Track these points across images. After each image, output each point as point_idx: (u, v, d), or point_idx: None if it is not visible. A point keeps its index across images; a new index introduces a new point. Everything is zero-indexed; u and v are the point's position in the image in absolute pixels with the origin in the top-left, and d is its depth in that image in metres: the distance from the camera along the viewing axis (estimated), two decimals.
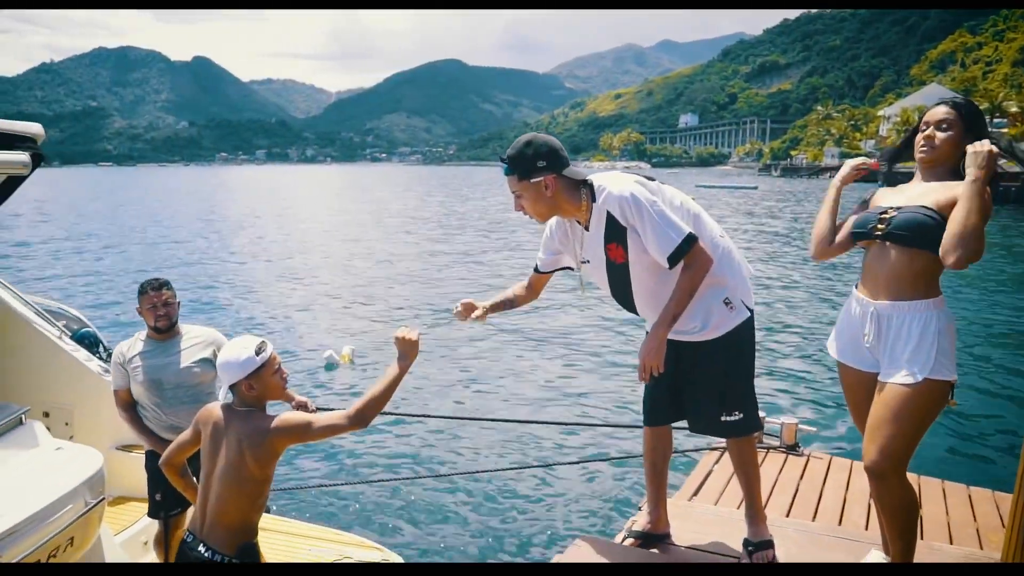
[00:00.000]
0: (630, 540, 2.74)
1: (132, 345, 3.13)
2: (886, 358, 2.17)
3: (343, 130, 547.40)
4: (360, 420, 2.07)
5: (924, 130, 2.17)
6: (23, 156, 3.54)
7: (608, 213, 2.36)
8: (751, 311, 2.51)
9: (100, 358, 3.99)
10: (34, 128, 3.65)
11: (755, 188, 59.79)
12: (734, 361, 2.50)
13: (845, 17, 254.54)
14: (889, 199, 2.24)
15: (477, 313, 2.65)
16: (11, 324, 3.91)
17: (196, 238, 23.38)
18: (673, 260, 2.29)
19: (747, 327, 2.50)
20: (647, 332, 2.48)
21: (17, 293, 4.00)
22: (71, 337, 3.99)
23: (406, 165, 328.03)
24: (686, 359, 2.51)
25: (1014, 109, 64.50)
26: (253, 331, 9.47)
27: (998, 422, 6.74)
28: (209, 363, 3.10)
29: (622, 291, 2.51)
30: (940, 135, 2.12)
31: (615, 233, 2.37)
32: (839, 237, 2.35)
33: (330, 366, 8.49)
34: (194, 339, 3.15)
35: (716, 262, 2.40)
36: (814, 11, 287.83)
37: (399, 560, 3.50)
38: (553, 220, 2.59)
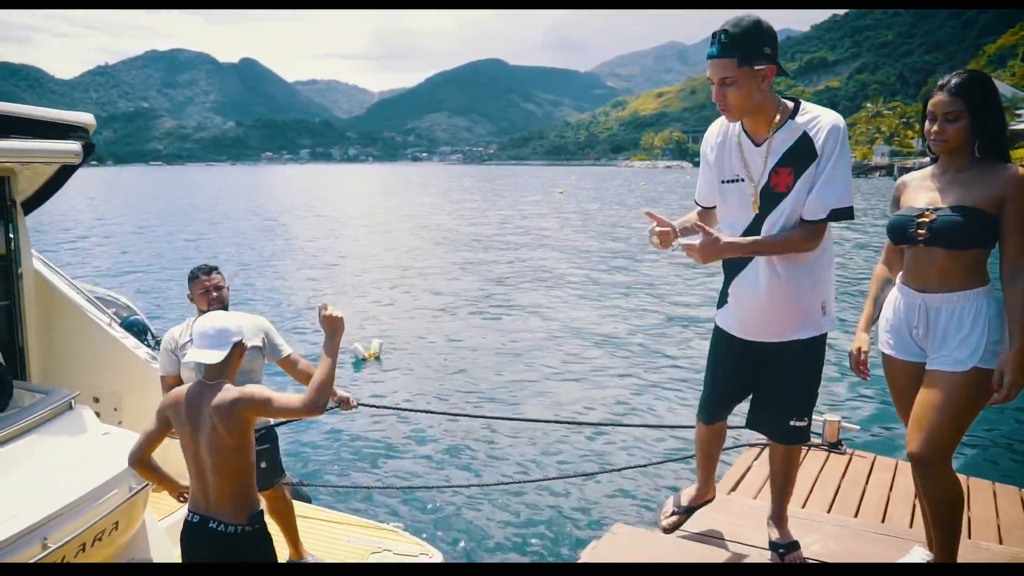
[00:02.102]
0: (673, 516, 2.67)
1: (183, 331, 3.14)
2: (935, 346, 2.13)
3: (385, 130, 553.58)
4: (314, 407, 2.13)
5: (932, 120, 2.13)
6: (75, 145, 3.66)
7: (805, 134, 2.15)
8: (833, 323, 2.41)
9: (148, 345, 4.11)
10: (85, 118, 3.77)
11: None
12: (813, 368, 2.41)
13: (898, 12, 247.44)
14: (922, 196, 2.19)
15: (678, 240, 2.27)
16: (64, 311, 4.04)
17: (235, 233, 23.91)
18: (829, 216, 2.12)
19: (826, 338, 2.41)
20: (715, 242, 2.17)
21: (70, 281, 4.14)
22: (120, 324, 4.11)
23: (447, 164, 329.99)
24: (773, 363, 2.37)
25: None
26: (282, 324, 9.64)
27: None
28: (258, 349, 3.12)
29: (752, 227, 2.24)
30: (950, 128, 2.08)
31: (797, 158, 2.15)
32: (887, 256, 2.41)
33: (357, 361, 8.54)
34: (243, 324, 3.16)
35: (828, 261, 2.31)
36: (863, 8, 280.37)
37: (438, 555, 3.46)
38: (717, 128, 2.35)
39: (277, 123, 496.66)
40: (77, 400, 3.31)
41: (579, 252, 19.01)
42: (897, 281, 2.31)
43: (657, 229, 2.24)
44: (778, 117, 2.17)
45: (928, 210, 2.12)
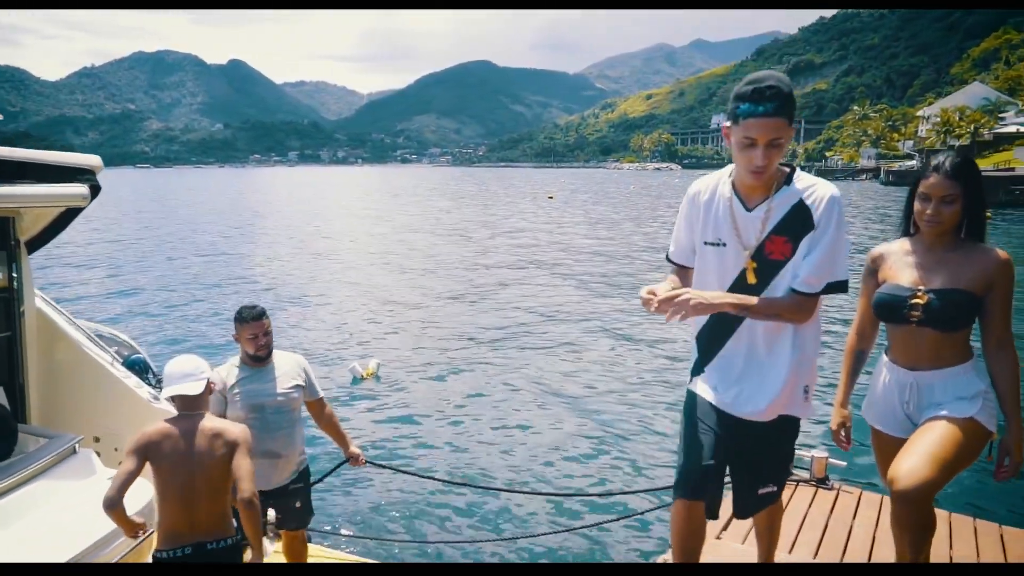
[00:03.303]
0: None
1: (229, 372, 3.13)
2: (930, 410, 2.18)
3: (374, 131, 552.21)
4: (249, 504, 2.40)
5: (925, 202, 2.15)
6: (81, 188, 3.70)
7: (801, 202, 2.06)
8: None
9: (150, 384, 4.14)
10: (92, 160, 3.82)
11: None
12: (788, 447, 2.35)
13: (884, 15, 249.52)
14: (906, 274, 2.21)
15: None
16: (64, 350, 4.04)
17: (227, 243, 23.80)
18: (824, 289, 2.04)
19: (800, 421, 2.32)
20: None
21: (72, 319, 4.15)
22: (123, 363, 4.13)
23: (436, 166, 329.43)
24: (744, 438, 2.25)
25: None
26: (280, 340, 9.65)
27: None
28: (301, 388, 3.19)
29: (744, 291, 2.13)
30: (946, 210, 2.11)
31: (794, 227, 2.06)
32: (860, 327, 2.40)
33: (355, 380, 8.49)
34: (285, 364, 3.20)
35: (815, 340, 2.20)
36: (851, 9, 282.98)
37: None
38: (704, 187, 2.24)
39: (265, 125, 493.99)
40: (80, 443, 3.35)
41: (573, 255, 19.15)
42: (884, 357, 2.32)
43: (658, 301, 2.00)
44: (774, 183, 2.10)
45: (920, 291, 2.14)
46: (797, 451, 4.00)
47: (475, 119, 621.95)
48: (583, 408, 7.65)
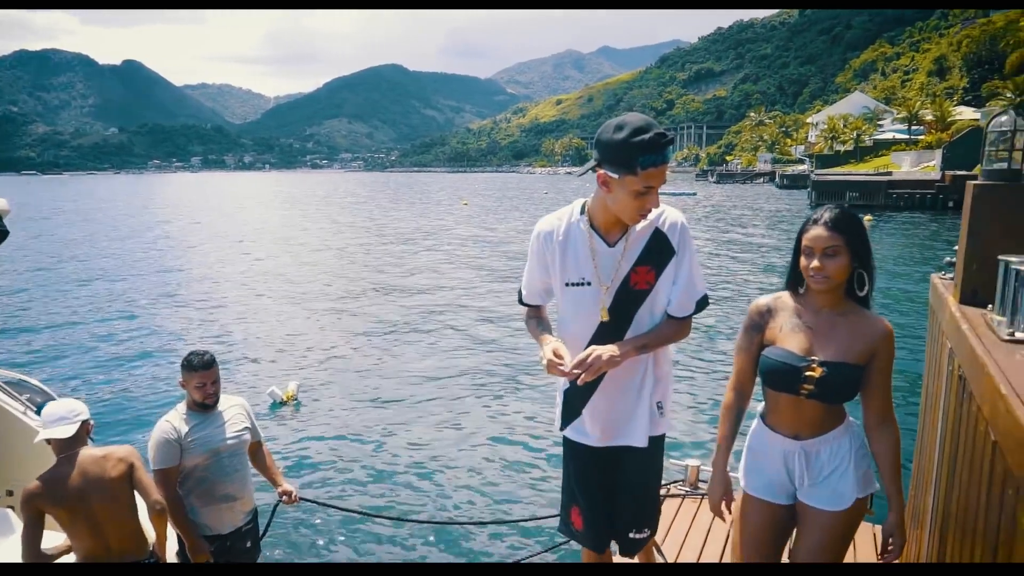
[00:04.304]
0: None
1: (181, 421, 3.06)
2: (815, 482, 2.15)
3: (282, 136, 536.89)
4: (162, 512, 2.77)
5: (809, 256, 2.05)
6: None
7: (658, 230, 2.11)
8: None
9: None
10: None
11: (694, 194, 61.44)
12: (656, 473, 2.35)
13: (775, 26, 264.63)
14: (794, 339, 2.11)
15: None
16: None
17: (125, 260, 22.86)
18: (694, 307, 2.15)
19: (664, 439, 2.34)
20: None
21: None
22: (36, 412, 4.03)
23: (348, 172, 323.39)
24: (618, 466, 2.30)
25: (929, 118, 68.20)
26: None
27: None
28: (248, 429, 3.24)
29: (602, 330, 2.15)
30: (830, 264, 2.02)
31: (655, 256, 2.12)
32: (739, 384, 2.26)
33: (274, 405, 8.23)
34: (231, 407, 3.23)
35: (670, 358, 2.29)
36: (746, 19, 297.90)
37: None
38: (553, 227, 2.21)
39: (165, 129, 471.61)
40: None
41: (485, 271, 19.53)
42: (761, 423, 2.25)
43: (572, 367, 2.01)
44: None
45: (814, 363, 2.05)
46: (675, 461, 4.56)
47: (387, 123, 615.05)
48: (510, 426, 7.76)
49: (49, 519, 2.72)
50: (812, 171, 62.85)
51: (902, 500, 2.06)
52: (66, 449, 2.76)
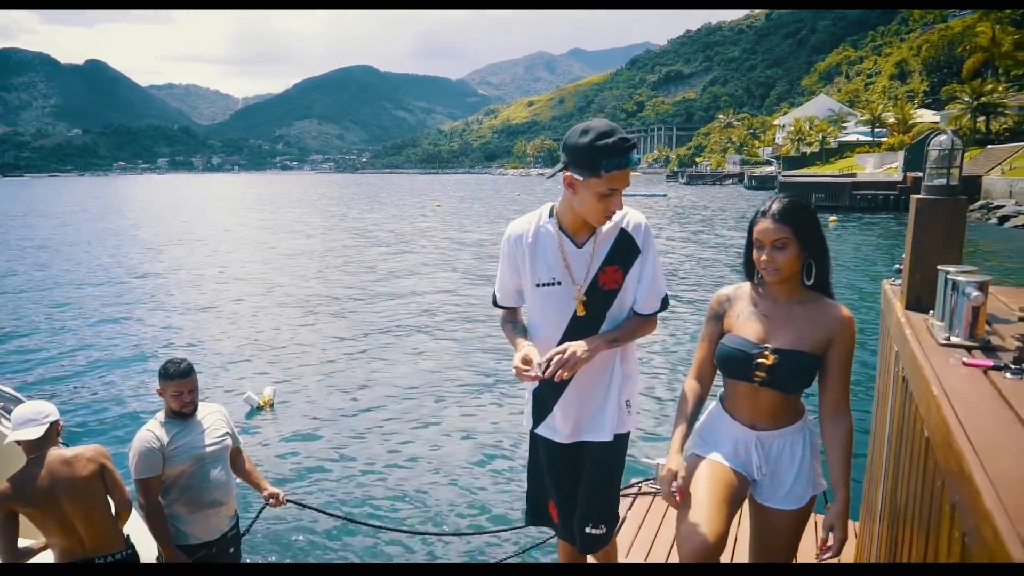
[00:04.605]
0: None
1: (162, 430, 3.08)
2: (772, 480, 2.16)
3: (251, 137, 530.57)
4: (128, 507, 2.97)
5: (760, 248, 2.07)
6: None
7: (623, 231, 2.21)
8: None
9: None
10: None
11: (664, 196, 62.04)
12: (618, 470, 2.40)
13: (742, 29, 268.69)
14: (751, 327, 2.12)
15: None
16: None
17: (92, 263, 22.53)
18: (659, 304, 2.25)
19: (628, 436, 2.39)
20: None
21: None
22: (8, 418, 4.10)
23: (319, 173, 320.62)
24: (593, 463, 2.36)
25: (891, 120, 69.94)
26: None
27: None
28: (229, 434, 3.29)
29: (572, 327, 2.22)
30: (780, 256, 2.02)
31: (622, 256, 2.21)
32: (699, 373, 2.26)
33: (252, 411, 8.19)
34: (209, 413, 3.26)
35: (635, 356, 2.38)
36: (714, 22, 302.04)
37: None
38: (523, 230, 2.28)
39: (131, 130, 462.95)
40: None
41: (462, 273, 19.62)
42: (719, 405, 2.26)
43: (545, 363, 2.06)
44: None
45: (767, 350, 2.05)
46: (647, 459, 4.71)
47: (358, 124, 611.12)
48: (483, 426, 7.84)
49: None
50: (779, 172, 64.08)
51: (847, 493, 2.01)
52: (36, 450, 2.84)
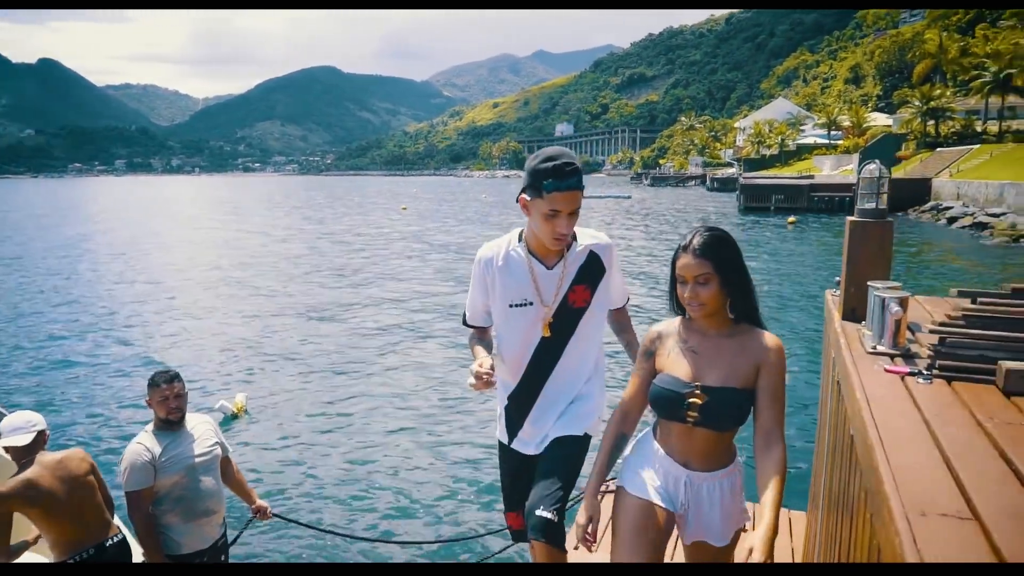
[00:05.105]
0: None
1: (153, 442, 3.11)
2: (697, 519, 2.11)
3: (212, 138, 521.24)
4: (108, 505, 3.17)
5: (683, 284, 2.04)
6: None
7: (592, 253, 2.37)
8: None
9: None
10: None
11: (628, 197, 62.71)
12: (576, 462, 2.39)
13: (703, 33, 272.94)
14: (681, 364, 2.06)
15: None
16: None
17: (47, 269, 22.05)
18: (626, 299, 2.59)
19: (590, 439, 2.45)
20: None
21: None
22: None
23: (281, 175, 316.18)
24: (549, 451, 2.40)
25: (847, 123, 71.88)
26: (131, 380, 9.45)
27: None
28: (219, 444, 3.37)
29: (554, 343, 2.36)
30: (703, 292, 1.99)
31: (591, 275, 2.37)
32: (627, 408, 2.18)
33: (226, 419, 8.18)
34: (198, 424, 3.32)
35: (604, 363, 2.54)
36: (676, 26, 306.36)
37: None
38: (493, 252, 2.40)
39: (87, 131, 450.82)
40: None
41: (431, 273, 19.73)
42: (651, 437, 2.18)
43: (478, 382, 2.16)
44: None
45: (697, 389, 2.00)
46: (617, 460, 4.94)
47: (322, 126, 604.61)
48: (455, 433, 7.95)
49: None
50: (741, 174, 65.34)
51: (774, 518, 1.83)
52: (25, 456, 3.00)
